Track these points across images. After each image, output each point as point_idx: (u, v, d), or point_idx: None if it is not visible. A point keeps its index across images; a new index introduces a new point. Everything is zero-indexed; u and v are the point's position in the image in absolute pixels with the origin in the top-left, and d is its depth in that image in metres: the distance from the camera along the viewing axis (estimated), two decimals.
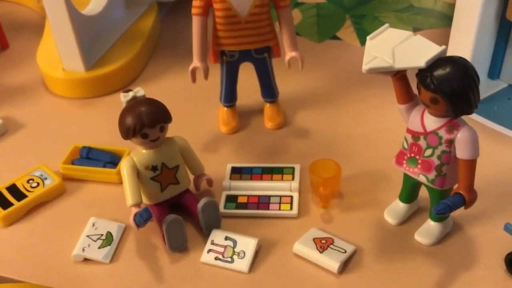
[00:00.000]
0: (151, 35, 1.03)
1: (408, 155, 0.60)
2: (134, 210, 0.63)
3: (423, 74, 0.54)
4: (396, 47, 0.55)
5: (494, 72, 0.88)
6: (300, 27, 1.07)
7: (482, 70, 0.88)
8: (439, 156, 0.58)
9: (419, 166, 0.59)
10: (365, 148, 0.79)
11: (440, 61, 0.54)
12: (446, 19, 1.05)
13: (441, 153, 0.57)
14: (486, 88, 0.87)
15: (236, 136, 0.83)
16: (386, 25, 0.58)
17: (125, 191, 0.64)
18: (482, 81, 0.88)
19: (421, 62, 0.53)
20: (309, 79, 0.93)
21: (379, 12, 1.09)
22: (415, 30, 1.04)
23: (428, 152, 0.58)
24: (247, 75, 0.82)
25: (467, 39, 0.80)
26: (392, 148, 0.64)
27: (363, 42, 1.01)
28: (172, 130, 0.68)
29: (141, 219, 0.61)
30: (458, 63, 0.53)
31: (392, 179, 0.72)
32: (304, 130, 0.83)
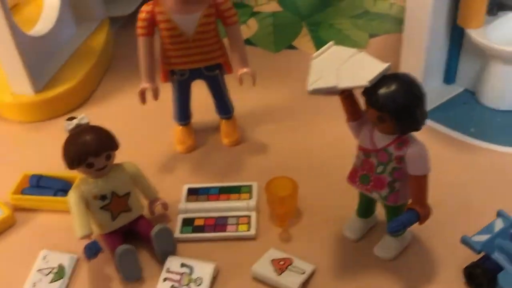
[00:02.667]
0: (104, 52, 1.00)
1: (361, 172, 0.59)
2: (85, 241, 0.60)
3: (369, 92, 0.53)
4: (340, 66, 0.54)
5: (450, 77, 0.87)
6: (257, 37, 1.05)
7: (437, 75, 0.87)
8: (391, 173, 0.57)
9: (371, 183, 0.59)
10: (323, 161, 0.78)
11: (384, 79, 0.53)
12: (401, 23, 1.04)
13: (392, 170, 0.56)
14: (443, 93, 0.87)
15: (192, 155, 0.81)
16: (331, 42, 0.58)
17: (74, 223, 0.62)
18: (437, 86, 0.89)
19: (365, 81, 0.52)
20: (265, 92, 0.92)
21: (335, 19, 1.08)
22: (371, 36, 1.03)
23: (380, 168, 0.57)
24: (202, 92, 0.80)
25: (418, 46, 0.79)
26: (350, 159, 0.63)
27: None
28: (126, 152, 0.65)
29: (91, 253, 0.59)
30: (403, 80, 0.53)
31: (351, 192, 0.70)
32: (262, 145, 0.82)
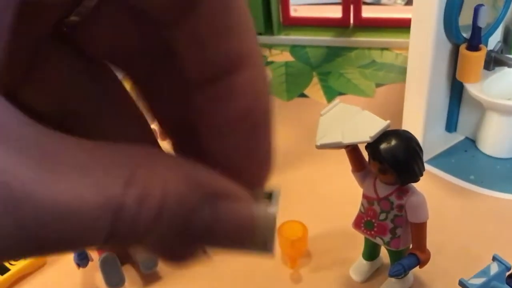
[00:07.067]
0: None
1: (365, 219, 0.65)
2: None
3: (371, 147, 0.59)
4: (345, 123, 0.60)
5: (451, 125, 0.93)
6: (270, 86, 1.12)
7: (439, 124, 0.93)
8: (393, 220, 0.62)
9: (375, 229, 0.64)
10: (331, 207, 0.83)
11: (385, 134, 0.58)
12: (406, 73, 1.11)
13: (394, 217, 0.62)
14: (445, 141, 0.92)
15: None
16: (337, 100, 0.63)
17: None
18: (439, 134, 0.94)
19: (367, 138, 0.57)
20: (277, 138, 0.97)
21: (344, 69, 1.15)
22: (378, 85, 1.09)
23: (383, 216, 0.62)
24: None
25: (420, 97, 0.85)
26: (355, 206, 0.68)
27: (329, 99, 1.06)
28: None
29: (77, 259, 0.70)
30: (402, 136, 0.58)
31: (357, 236, 0.76)
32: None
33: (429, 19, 0.77)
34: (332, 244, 0.77)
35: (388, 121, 0.59)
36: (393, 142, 0.58)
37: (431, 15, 0.76)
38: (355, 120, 0.60)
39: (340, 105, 0.63)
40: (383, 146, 0.58)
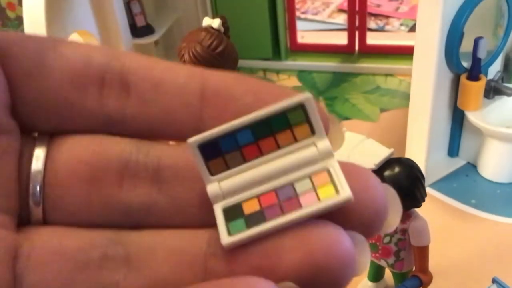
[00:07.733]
0: None
1: (370, 241, 0.68)
2: None
3: (375, 174, 0.62)
4: (351, 151, 0.63)
5: (453, 150, 0.96)
6: None
7: (441, 149, 0.96)
8: (396, 243, 0.65)
9: (380, 252, 0.67)
10: None
11: (389, 162, 0.62)
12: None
13: (397, 240, 0.65)
14: (447, 166, 0.95)
15: None
16: (343, 129, 0.67)
17: None
18: (442, 159, 0.98)
19: (372, 165, 0.61)
20: None
21: (350, 94, 1.19)
22: (382, 110, 1.13)
23: (387, 239, 0.66)
24: None
25: (423, 124, 0.89)
26: None
27: None
28: None
29: None
30: (405, 164, 0.62)
31: None
32: None
33: (431, 50, 0.81)
34: None
35: (392, 149, 0.63)
36: (396, 170, 0.61)
37: (432, 46, 0.80)
38: (360, 148, 0.64)
39: (346, 133, 0.66)
40: (387, 173, 0.61)
